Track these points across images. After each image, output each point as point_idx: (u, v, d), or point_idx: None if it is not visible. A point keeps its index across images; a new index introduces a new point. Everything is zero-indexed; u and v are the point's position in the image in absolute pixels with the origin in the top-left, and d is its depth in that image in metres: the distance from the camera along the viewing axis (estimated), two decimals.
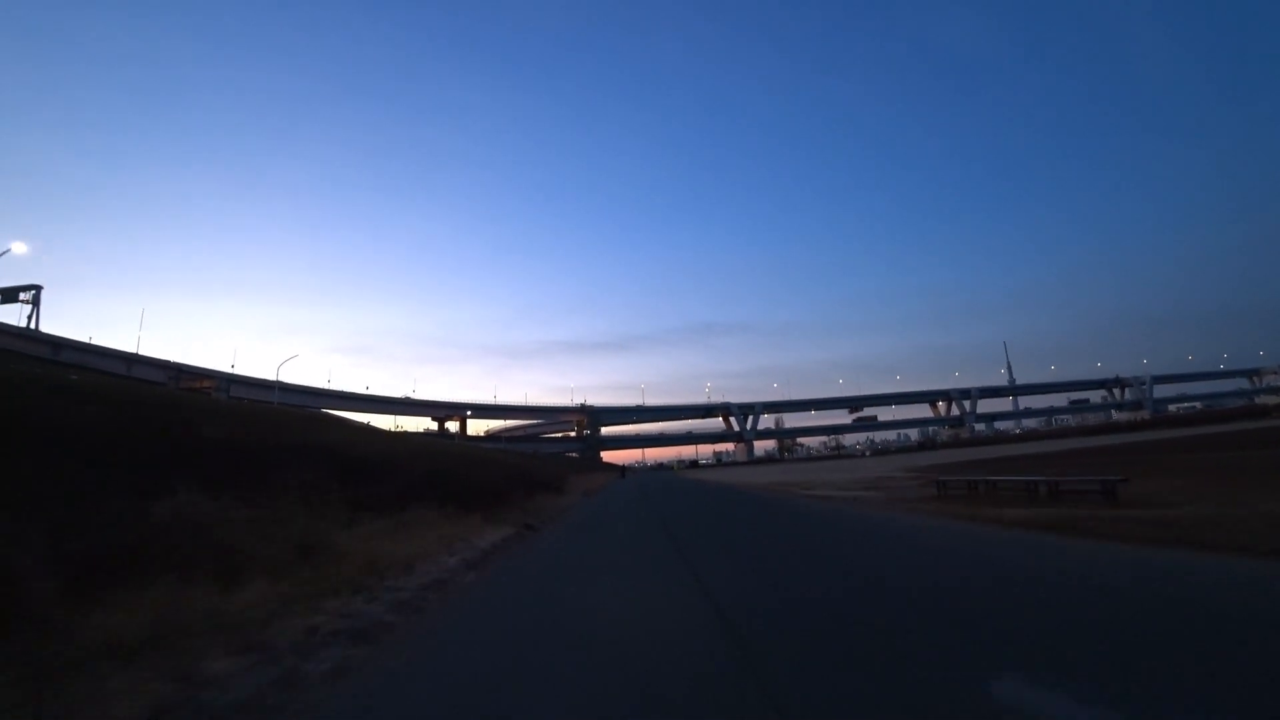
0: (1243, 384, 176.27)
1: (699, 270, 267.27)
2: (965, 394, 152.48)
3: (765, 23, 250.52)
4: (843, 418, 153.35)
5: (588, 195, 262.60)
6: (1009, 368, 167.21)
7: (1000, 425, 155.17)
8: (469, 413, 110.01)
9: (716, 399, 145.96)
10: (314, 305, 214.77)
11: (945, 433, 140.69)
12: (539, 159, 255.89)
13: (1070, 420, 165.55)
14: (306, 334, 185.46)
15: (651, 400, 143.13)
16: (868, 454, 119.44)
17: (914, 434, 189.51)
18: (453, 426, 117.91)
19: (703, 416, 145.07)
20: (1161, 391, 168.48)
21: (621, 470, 68.46)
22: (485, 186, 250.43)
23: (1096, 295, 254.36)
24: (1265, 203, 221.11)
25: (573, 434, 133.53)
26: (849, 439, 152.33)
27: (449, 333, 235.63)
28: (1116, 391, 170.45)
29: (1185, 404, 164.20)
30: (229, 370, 79.26)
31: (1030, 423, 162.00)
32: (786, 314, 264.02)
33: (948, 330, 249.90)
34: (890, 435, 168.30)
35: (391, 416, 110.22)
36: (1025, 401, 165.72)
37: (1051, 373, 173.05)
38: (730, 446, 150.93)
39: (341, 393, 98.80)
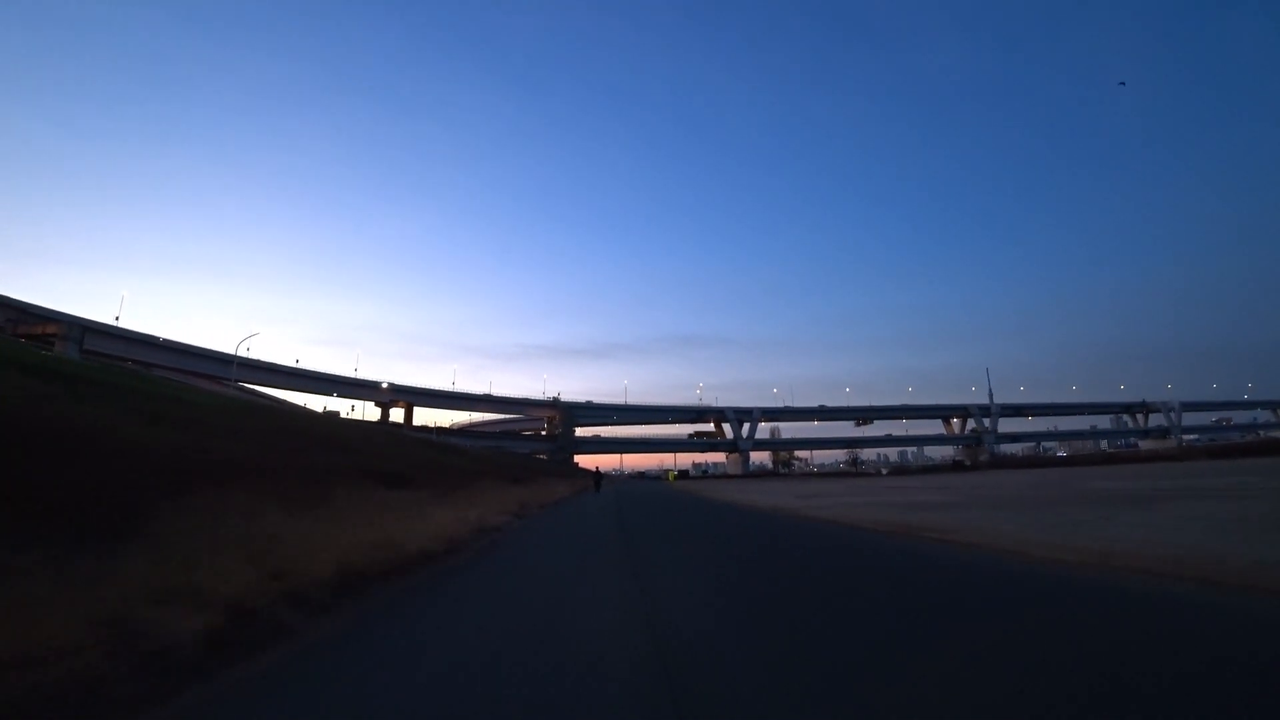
0: (1266, 416, 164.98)
1: (681, 282, 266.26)
2: (985, 410, 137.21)
3: (753, 40, 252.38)
4: (840, 431, 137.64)
5: (572, 201, 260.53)
6: (990, 393, 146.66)
7: (1005, 448, 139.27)
8: (385, 385, 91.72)
9: (708, 402, 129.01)
10: (291, 294, 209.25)
11: (966, 452, 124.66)
12: (525, 164, 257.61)
13: (1055, 446, 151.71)
14: (282, 323, 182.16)
15: (635, 400, 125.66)
16: (884, 471, 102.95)
17: (904, 453, 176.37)
18: (417, 418, 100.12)
19: (692, 421, 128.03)
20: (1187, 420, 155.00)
21: (595, 478, 47.16)
22: (468, 188, 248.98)
23: (1097, 320, 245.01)
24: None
25: (544, 432, 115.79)
26: (863, 455, 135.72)
27: (426, 330, 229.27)
28: (1140, 417, 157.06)
29: (1189, 435, 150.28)
30: (89, 317, 60.83)
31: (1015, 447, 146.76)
32: (768, 330, 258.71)
33: (934, 353, 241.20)
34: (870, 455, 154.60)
35: (327, 398, 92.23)
36: (1043, 423, 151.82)
37: (1073, 393, 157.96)
38: (722, 456, 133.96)
39: (256, 362, 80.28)
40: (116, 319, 69.19)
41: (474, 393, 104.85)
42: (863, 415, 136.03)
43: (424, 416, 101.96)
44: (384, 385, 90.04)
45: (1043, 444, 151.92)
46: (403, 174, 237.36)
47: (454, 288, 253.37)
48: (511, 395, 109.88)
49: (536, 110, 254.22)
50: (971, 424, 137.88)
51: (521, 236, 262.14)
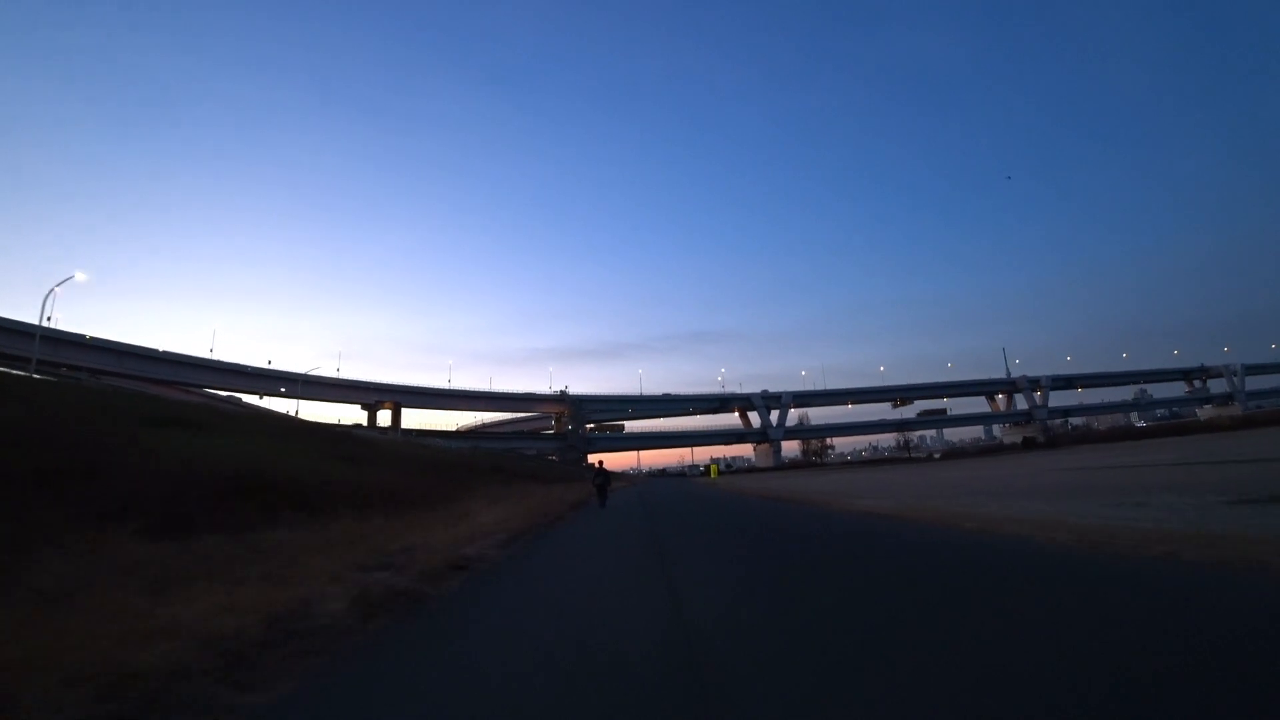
0: None
1: (688, 279, 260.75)
2: (1034, 383, 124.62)
3: (752, 35, 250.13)
4: (865, 416, 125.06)
5: (574, 201, 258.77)
6: (1007, 367, 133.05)
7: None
8: (301, 375, 79.87)
9: (732, 388, 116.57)
10: (300, 310, 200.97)
11: (1035, 428, 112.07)
12: (526, 169, 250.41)
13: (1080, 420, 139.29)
14: (292, 339, 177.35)
15: (651, 389, 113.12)
16: (936, 455, 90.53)
17: (922, 437, 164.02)
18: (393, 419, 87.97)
19: (714, 411, 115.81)
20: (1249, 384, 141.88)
21: (599, 481, 23.21)
22: (470, 195, 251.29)
23: (1119, 294, 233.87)
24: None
25: (553, 429, 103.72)
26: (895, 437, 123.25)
27: (437, 339, 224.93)
28: (1198, 383, 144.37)
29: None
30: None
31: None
32: (779, 323, 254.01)
33: (951, 338, 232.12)
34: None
35: (303, 401, 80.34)
36: (1096, 394, 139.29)
37: (1124, 361, 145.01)
38: (749, 449, 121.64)
39: (200, 361, 68.40)
40: (49, 319, 57.33)
41: (470, 390, 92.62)
42: (901, 395, 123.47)
43: (422, 420, 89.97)
44: (305, 376, 77.38)
45: (1069, 419, 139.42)
46: (404, 184, 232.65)
47: (460, 295, 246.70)
48: (512, 391, 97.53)
49: (534, 112, 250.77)
50: (1020, 400, 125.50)
51: (525, 240, 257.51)
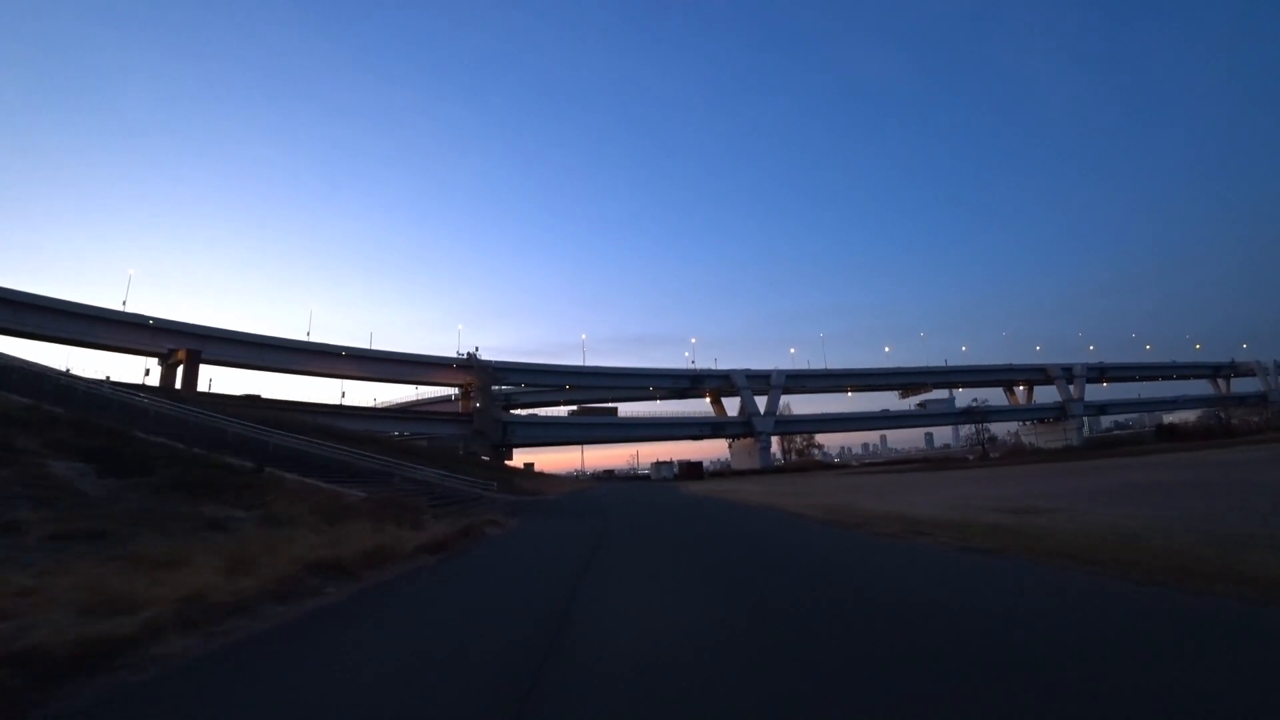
0: None
1: (630, 283, 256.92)
2: (1067, 371, 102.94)
3: (701, 45, 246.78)
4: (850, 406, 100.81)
5: (518, 205, 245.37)
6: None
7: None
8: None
9: (704, 364, 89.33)
10: (235, 297, 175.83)
11: (1052, 428, 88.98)
12: (471, 168, 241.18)
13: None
14: (229, 324, 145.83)
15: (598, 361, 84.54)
16: (994, 455, 65.44)
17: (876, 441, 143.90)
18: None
19: (683, 392, 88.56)
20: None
21: None
22: (413, 190, 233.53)
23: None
24: None
25: (458, 407, 73.93)
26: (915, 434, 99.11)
27: (374, 333, 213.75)
28: (1223, 381, 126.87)
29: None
30: None
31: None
32: (717, 329, 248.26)
33: (886, 348, 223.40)
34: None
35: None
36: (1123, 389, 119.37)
37: (1149, 353, 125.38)
38: (724, 446, 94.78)
39: None
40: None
41: (320, 343, 61.37)
42: (910, 382, 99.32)
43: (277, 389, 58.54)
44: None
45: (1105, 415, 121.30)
46: (343, 177, 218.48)
47: (400, 292, 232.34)
48: (393, 351, 67.07)
49: (481, 114, 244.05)
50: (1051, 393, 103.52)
51: (467, 240, 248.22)
